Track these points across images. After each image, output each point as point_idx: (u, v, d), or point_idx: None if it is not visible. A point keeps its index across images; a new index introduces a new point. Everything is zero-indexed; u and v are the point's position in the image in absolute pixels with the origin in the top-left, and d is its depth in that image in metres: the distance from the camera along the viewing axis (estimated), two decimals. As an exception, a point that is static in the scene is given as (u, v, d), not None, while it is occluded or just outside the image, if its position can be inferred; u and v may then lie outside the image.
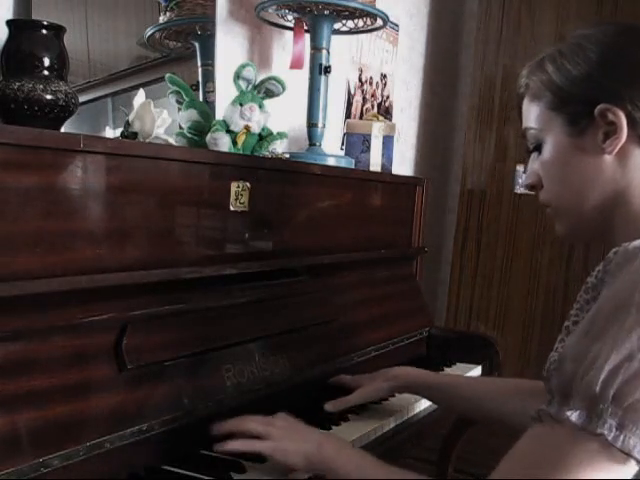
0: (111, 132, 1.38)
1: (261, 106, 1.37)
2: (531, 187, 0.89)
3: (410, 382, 1.21)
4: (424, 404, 1.32)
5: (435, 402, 1.25)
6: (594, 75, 0.80)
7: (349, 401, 1.18)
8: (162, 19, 1.48)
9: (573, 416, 0.65)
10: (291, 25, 1.70)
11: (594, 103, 0.79)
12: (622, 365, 0.64)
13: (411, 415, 1.27)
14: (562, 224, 0.88)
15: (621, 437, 0.63)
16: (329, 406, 1.16)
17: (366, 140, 1.78)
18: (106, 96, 1.40)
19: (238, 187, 1.14)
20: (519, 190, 2.43)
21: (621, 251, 0.71)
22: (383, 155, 1.82)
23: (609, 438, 0.63)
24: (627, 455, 0.63)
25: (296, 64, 1.67)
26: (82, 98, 1.12)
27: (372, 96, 2.30)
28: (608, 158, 0.80)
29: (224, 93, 1.50)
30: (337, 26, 1.69)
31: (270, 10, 1.64)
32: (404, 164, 2.54)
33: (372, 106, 2.30)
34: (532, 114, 0.86)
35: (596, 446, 0.64)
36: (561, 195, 0.85)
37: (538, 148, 0.86)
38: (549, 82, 0.83)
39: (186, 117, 1.39)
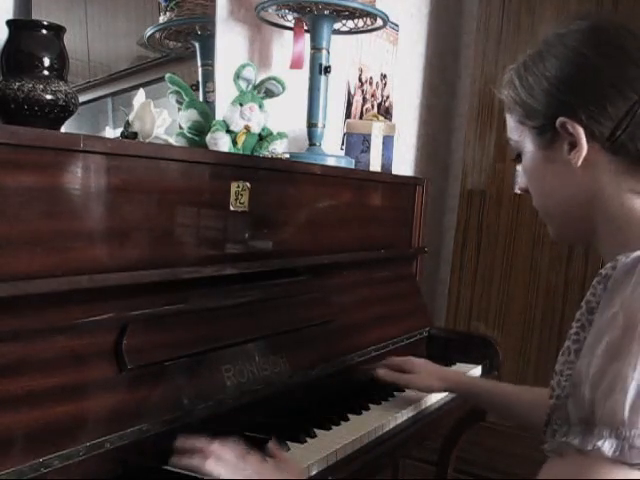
0: (111, 132, 1.38)
1: (261, 106, 1.37)
2: (525, 191, 0.92)
3: (460, 389, 1.31)
4: (424, 405, 1.32)
5: (485, 408, 1.35)
6: (551, 90, 0.81)
7: (398, 379, 1.31)
8: (162, 19, 1.48)
9: (604, 446, 0.62)
10: (291, 25, 1.70)
11: (553, 117, 0.81)
12: None
13: (411, 415, 1.28)
14: (551, 228, 0.91)
15: None
16: (381, 372, 1.31)
17: (366, 140, 1.78)
18: (106, 96, 1.40)
19: (238, 187, 1.14)
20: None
21: (620, 266, 0.69)
22: (383, 155, 1.82)
23: None
24: None
25: (296, 64, 1.67)
26: (82, 98, 1.12)
27: (372, 96, 2.30)
28: (577, 168, 0.81)
29: (224, 93, 1.50)
30: (337, 26, 1.69)
31: (270, 10, 1.64)
32: (404, 164, 2.54)
33: (372, 106, 2.30)
34: (508, 125, 0.89)
35: (633, 474, 0.62)
36: (543, 202, 0.88)
37: (519, 157, 0.89)
38: (516, 97, 0.86)
39: (186, 117, 1.39)
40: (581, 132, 0.79)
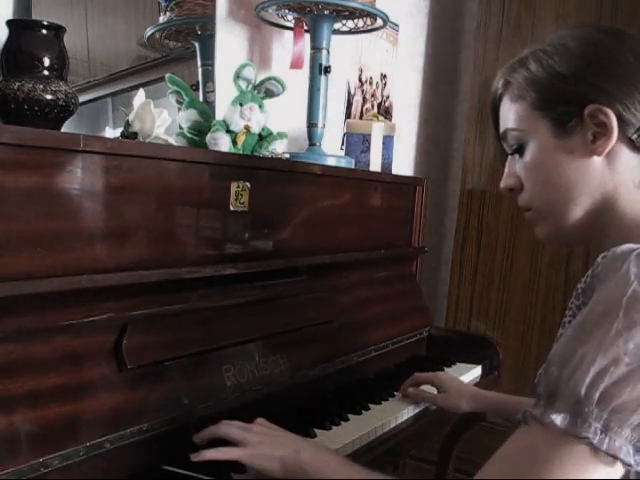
0: (111, 132, 1.38)
1: (261, 106, 1.36)
2: (509, 190, 0.87)
3: (489, 406, 1.27)
4: (424, 405, 1.32)
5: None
6: (583, 74, 0.78)
7: (425, 398, 1.29)
8: (162, 19, 1.48)
9: (558, 419, 0.65)
10: (291, 25, 1.70)
11: (584, 103, 0.77)
12: (608, 368, 0.64)
13: (411, 415, 1.28)
14: (545, 227, 0.85)
15: (606, 440, 0.63)
16: (411, 391, 1.30)
17: (366, 140, 1.78)
18: (106, 96, 1.40)
19: (238, 187, 1.14)
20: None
21: (609, 255, 0.70)
22: (383, 155, 1.82)
23: (594, 441, 0.63)
24: (613, 457, 0.63)
25: (296, 64, 1.67)
26: (82, 98, 1.12)
27: (372, 96, 2.30)
28: (597, 159, 0.78)
29: (224, 93, 1.50)
30: (337, 26, 1.69)
31: (270, 10, 1.64)
32: (404, 164, 2.54)
33: (372, 106, 2.30)
34: (514, 114, 0.84)
35: (582, 449, 0.64)
36: (547, 198, 0.83)
37: (519, 150, 0.84)
38: (533, 81, 0.81)
39: (186, 117, 1.39)
40: (614, 120, 0.76)
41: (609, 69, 0.77)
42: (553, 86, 0.79)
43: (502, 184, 0.88)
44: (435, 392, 1.32)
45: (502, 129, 0.86)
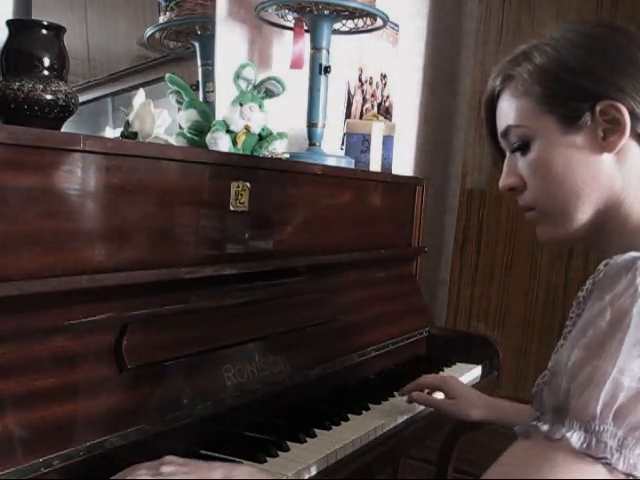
0: (111, 132, 1.38)
1: (261, 106, 1.37)
2: (510, 189, 0.84)
3: (502, 416, 1.18)
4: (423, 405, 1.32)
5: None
6: (593, 69, 0.75)
7: (431, 403, 1.24)
8: (162, 19, 1.48)
9: (573, 438, 0.62)
10: (291, 25, 1.70)
11: (595, 99, 0.75)
12: (622, 384, 0.62)
13: (411, 415, 1.27)
14: (548, 228, 0.82)
15: (621, 458, 0.61)
16: (415, 395, 1.24)
17: (366, 140, 1.78)
18: (106, 96, 1.40)
19: (238, 187, 1.14)
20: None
21: (612, 264, 0.68)
22: (383, 155, 1.82)
23: (612, 461, 0.61)
24: (629, 475, 0.62)
25: (296, 64, 1.67)
26: (82, 98, 1.12)
27: (372, 96, 2.30)
28: (606, 156, 0.76)
29: (224, 93, 1.50)
30: (337, 26, 1.69)
31: (270, 10, 1.64)
32: (404, 164, 2.54)
33: (372, 106, 2.30)
34: (516, 111, 0.81)
35: (598, 469, 0.62)
36: (553, 196, 0.79)
37: (523, 147, 0.81)
38: (539, 74, 0.78)
39: (186, 117, 1.39)
40: (627, 115, 0.74)
41: (618, 63, 0.75)
42: (562, 80, 0.77)
43: (501, 183, 0.85)
44: (441, 396, 1.26)
45: (502, 127, 0.84)
